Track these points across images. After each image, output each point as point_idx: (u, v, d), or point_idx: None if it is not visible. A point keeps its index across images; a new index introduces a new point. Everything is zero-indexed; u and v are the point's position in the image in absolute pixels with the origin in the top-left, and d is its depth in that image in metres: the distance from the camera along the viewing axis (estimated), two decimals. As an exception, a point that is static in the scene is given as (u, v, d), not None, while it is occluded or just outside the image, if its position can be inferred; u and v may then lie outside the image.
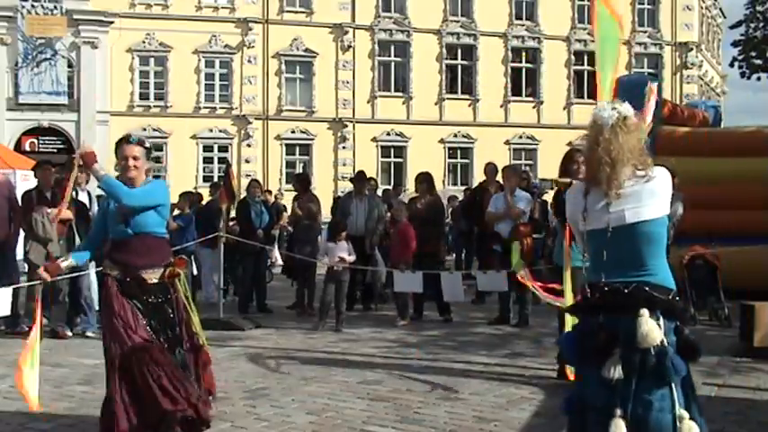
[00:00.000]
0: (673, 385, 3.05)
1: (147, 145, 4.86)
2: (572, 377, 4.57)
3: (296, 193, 12.63)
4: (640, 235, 3.13)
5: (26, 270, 9.15)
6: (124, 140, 4.80)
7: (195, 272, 11.50)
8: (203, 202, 13.33)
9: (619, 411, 3.03)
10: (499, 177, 11.08)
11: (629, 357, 3.04)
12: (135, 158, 4.70)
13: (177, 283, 4.73)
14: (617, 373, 3.05)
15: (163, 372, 4.38)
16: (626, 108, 3.22)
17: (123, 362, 4.39)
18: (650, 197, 3.13)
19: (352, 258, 9.63)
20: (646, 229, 3.13)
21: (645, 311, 3.03)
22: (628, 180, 3.13)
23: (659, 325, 3.04)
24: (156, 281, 4.64)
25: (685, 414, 3.03)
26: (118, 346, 4.43)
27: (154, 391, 4.34)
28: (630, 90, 7.37)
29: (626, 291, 3.09)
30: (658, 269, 3.15)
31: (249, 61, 32.74)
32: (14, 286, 8.18)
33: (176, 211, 11.40)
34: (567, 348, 3.48)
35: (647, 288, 3.09)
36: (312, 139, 33.57)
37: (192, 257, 11.09)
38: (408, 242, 10.05)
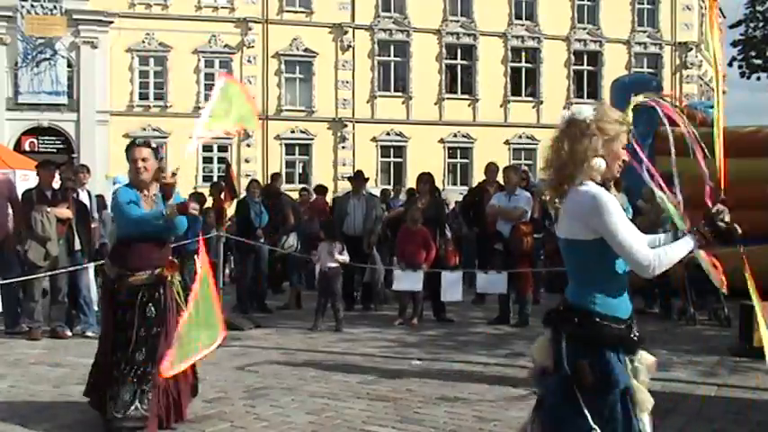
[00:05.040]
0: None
1: (154, 145, 5.26)
2: None
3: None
4: (567, 253, 2.95)
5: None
6: (132, 145, 5.21)
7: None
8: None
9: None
10: (500, 177, 11.07)
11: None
12: (144, 160, 5.08)
13: (168, 284, 5.05)
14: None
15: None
16: (580, 110, 2.93)
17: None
18: (565, 218, 2.92)
19: (343, 258, 9.64)
20: (569, 248, 2.93)
21: (547, 332, 2.94)
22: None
23: (560, 350, 2.84)
24: (146, 280, 5.00)
25: None
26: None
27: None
28: (631, 91, 7.32)
29: (558, 306, 2.96)
30: (586, 290, 2.88)
31: (249, 61, 32.73)
32: (9, 281, 8.19)
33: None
34: None
35: (562, 308, 2.93)
36: (312, 139, 33.57)
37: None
38: (430, 246, 9.99)
